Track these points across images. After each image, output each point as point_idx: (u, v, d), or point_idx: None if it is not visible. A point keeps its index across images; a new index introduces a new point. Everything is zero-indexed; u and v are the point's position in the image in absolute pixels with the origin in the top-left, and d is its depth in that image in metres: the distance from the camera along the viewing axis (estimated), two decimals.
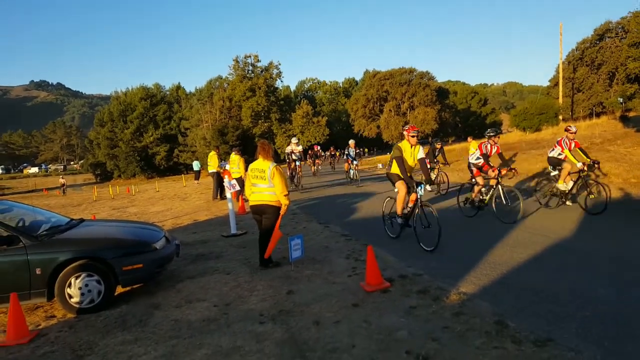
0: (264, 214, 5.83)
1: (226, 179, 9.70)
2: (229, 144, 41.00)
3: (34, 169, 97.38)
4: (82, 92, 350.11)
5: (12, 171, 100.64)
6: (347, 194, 13.84)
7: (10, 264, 4.51)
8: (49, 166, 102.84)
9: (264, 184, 5.75)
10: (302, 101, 67.65)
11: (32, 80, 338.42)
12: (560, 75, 40.75)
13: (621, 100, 35.63)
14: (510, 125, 44.74)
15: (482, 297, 4.19)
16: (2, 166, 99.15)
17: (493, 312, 3.78)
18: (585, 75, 46.71)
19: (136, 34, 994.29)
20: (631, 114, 28.37)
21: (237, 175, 12.96)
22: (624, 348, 3.02)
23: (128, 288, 5.29)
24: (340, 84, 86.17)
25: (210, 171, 15.04)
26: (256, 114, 59.25)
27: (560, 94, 40.44)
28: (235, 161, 13.48)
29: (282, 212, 5.81)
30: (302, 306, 4.34)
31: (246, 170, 6.88)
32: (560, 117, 37.12)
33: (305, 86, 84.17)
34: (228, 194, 8.99)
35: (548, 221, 7.41)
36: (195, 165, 29.96)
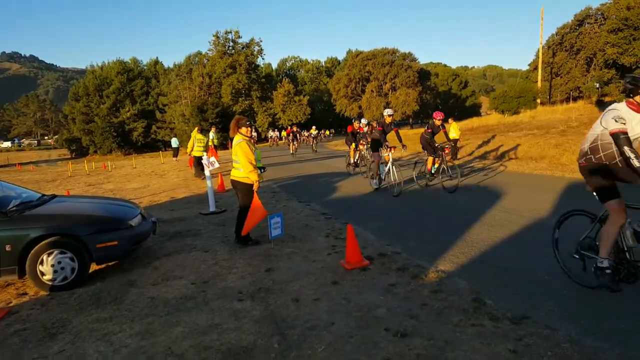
0: (237, 190, 5.86)
1: (205, 157, 9.53)
2: (209, 122, 40.30)
3: (7, 144, 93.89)
4: (56, 65, 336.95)
5: None
6: (327, 174, 13.82)
7: None
8: (22, 141, 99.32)
9: (235, 159, 5.77)
10: (283, 79, 66.70)
11: (4, 52, 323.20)
12: (540, 59, 41.18)
13: (598, 85, 36.26)
14: (490, 108, 45.25)
15: (460, 275, 4.24)
16: None
17: (471, 290, 3.83)
18: (564, 60, 47.31)
19: (112, 4, 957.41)
20: (607, 99, 28.95)
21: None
22: (600, 327, 3.08)
23: (103, 265, 5.17)
24: (323, 63, 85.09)
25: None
26: (237, 91, 58.17)
27: (539, 78, 40.97)
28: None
29: (254, 188, 5.74)
30: (282, 284, 4.32)
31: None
32: (539, 101, 37.67)
33: (287, 64, 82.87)
34: (207, 172, 8.84)
35: (524, 201, 7.53)
36: (174, 142, 29.43)
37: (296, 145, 23.68)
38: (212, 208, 8.36)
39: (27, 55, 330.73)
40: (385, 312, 3.50)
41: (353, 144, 13.53)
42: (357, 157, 13.47)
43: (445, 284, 4.03)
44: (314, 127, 32.18)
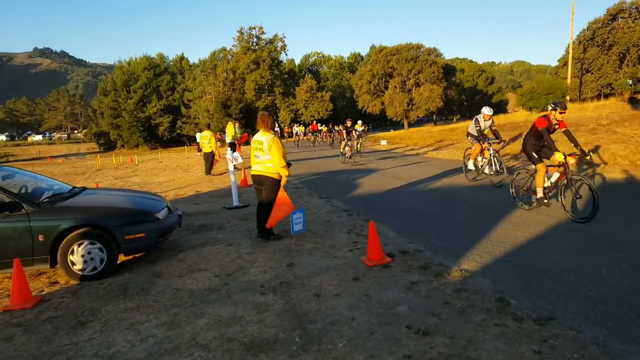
0: (263, 185, 5.84)
1: (229, 151, 9.66)
2: (232, 117, 40.72)
3: (38, 137, 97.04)
4: (85, 61, 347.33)
5: (17, 138, 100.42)
6: (348, 170, 13.81)
7: (13, 230, 4.53)
8: (53, 134, 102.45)
9: (263, 155, 5.75)
10: (306, 75, 66.74)
11: (36, 48, 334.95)
12: (570, 55, 39.96)
13: (630, 82, 35.01)
14: (517, 105, 44.12)
15: (484, 275, 4.18)
16: (7, 133, 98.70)
17: (495, 290, 3.78)
18: (595, 55, 45.82)
19: (140, 1, 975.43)
20: None
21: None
22: (627, 330, 3.01)
23: (130, 257, 5.32)
24: (346, 59, 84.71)
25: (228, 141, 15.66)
26: (260, 87, 58.55)
27: (569, 74, 39.73)
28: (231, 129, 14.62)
29: (282, 183, 5.79)
30: (303, 279, 4.36)
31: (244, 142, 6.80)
32: (568, 98, 36.60)
33: (310, 60, 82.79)
34: (230, 167, 8.95)
35: (552, 201, 7.35)
36: (199, 137, 29.89)
37: (350, 147, 16.07)
38: (235, 202, 8.48)
39: (58, 50, 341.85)
40: (406, 310, 3.49)
41: (560, 156, 6.08)
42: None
43: (469, 283, 3.99)
44: (359, 122, 20.38)
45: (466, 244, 5.20)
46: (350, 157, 15.94)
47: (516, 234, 5.52)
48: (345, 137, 16.21)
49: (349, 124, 17.04)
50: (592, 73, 46.84)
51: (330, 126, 34.38)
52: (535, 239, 5.33)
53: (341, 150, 16.56)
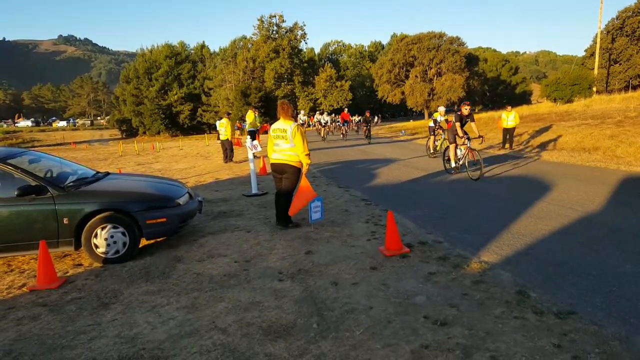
0: (284, 174, 5.83)
1: (248, 139, 9.72)
2: (252, 105, 40.75)
3: (63, 123, 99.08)
4: (108, 49, 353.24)
5: (42, 124, 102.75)
6: (367, 160, 13.74)
7: (39, 213, 4.64)
8: (76, 120, 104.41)
9: (286, 143, 5.72)
10: (325, 64, 66.40)
11: (61, 35, 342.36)
12: (598, 45, 38.63)
13: None
14: (541, 96, 43.01)
15: (504, 267, 4.13)
16: (32, 119, 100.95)
17: (515, 283, 3.73)
18: (625, 45, 44.35)
19: None
20: None
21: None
22: None
23: (152, 241, 5.43)
24: (366, 48, 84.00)
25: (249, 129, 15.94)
26: (279, 76, 58.58)
27: (596, 64, 38.52)
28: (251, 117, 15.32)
29: (304, 171, 5.80)
30: (321, 266, 4.38)
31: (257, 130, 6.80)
32: (594, 89, 35.51)
33: (330, 49, 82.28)
34: (250, 155, 9.01)
35: (577, 194, 7.19)
36: (219, 125, 30.10)
37: (470, 149, 9.40)
38: (254, 190, 8.54)
39: (82, 38, 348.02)
40: (424, 300, 3.48)
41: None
42: None
43: (488, 275, 3.94)
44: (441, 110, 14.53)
45: (486, 236, 5.13)
46: (470, 162, 9.64)
47: (538, 227, 5.42)
48: (459, 132, 9.47)
49: (465, 111, 9.61)
50: (620, 64, 45.41)
51: (368, 115, 25.13)
52: (558, 232, 5.22)
53: (453, 159, 9.95)
